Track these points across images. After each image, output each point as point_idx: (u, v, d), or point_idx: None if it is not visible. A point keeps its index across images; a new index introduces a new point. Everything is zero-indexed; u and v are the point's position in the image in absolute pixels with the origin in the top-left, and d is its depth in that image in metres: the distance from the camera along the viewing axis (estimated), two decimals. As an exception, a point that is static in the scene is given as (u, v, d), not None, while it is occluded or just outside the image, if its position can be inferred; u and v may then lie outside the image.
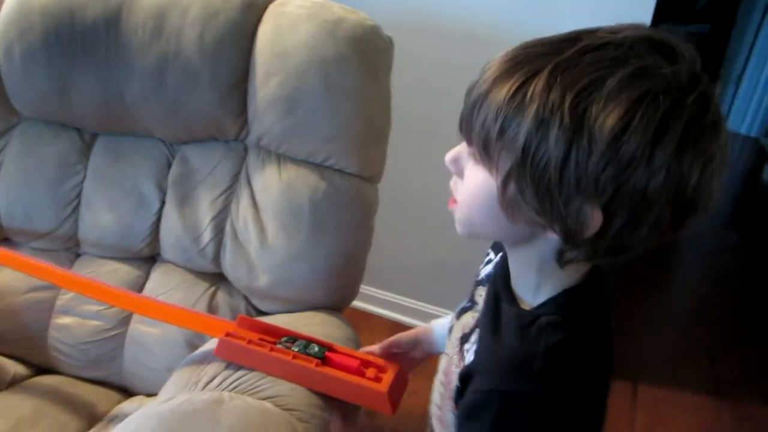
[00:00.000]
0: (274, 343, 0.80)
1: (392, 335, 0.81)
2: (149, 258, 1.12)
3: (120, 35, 1.00)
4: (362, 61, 0.97)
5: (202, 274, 1.08)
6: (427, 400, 0.70)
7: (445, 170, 0.57)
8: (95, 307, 1.07)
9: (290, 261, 0.99)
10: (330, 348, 0.81)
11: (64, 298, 1.09)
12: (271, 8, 1.01)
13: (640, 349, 1.93)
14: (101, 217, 1.10)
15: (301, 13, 0.98)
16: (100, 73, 1.03)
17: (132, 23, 0.99)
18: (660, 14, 1.37)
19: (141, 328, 1.06)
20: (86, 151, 1.12)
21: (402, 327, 1.88)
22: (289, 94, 0.96)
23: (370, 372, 0.76)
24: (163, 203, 1.08)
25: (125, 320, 1.07)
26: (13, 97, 1.10)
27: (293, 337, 0.82)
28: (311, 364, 0.76)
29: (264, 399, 0.76)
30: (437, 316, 0.84)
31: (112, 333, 1.07)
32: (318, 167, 0.99)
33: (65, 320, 1.09)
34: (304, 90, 0.95)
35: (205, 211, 1.05)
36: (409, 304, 1.91)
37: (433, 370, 0.70)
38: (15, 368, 1.10)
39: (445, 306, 1.86)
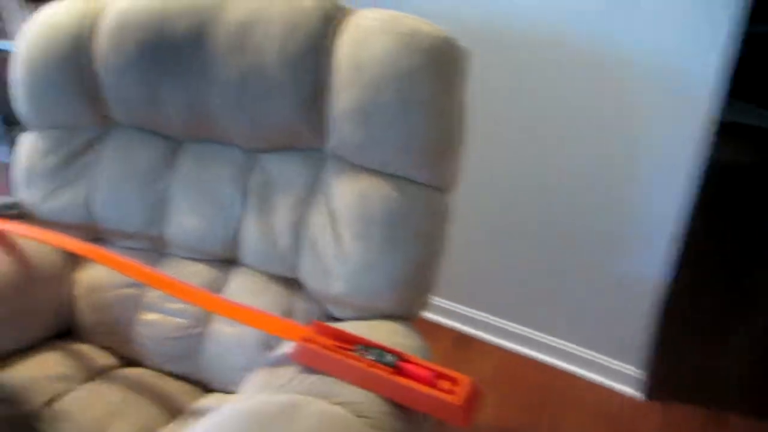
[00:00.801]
0: (349, 350, 0.83)
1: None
2: (229, 261, 1.18)
3: (206, 48, 1.06)
4: (437, 72, 0.98)
5: (279, 279, 1.12)
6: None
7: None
8: (178, 305, 1.13)
9: (364, 269, 1.01)
10: (402, 357, 0.82)
11: (150, 295, 1.16)
12: (349, 20, 1.03)
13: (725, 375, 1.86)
14: (186, 220, 1.16)
15: (376, 26, 1.00)
16: (186, 83, 1.09)
17: (217, 38, 1.04)
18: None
19: (220, 327, 1.11)
20: (174, 158, 1.19)
21: (467, 338, 1.89)
22: (365, 105, 0.98)
23: (443, 384, 0.77)
24: (244, 208, 1.13)
25: (205, 319, 1.12)
26: (110, 105, 1.18)
27: (366, 345, 0.84)
28: (385, 373, 0.78)
29: (338, 404, 0.78)
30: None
31: (193, 331, 1.13)
32: (391, 177, 1.01)
33: (150, 316, 1.16)
34: (379, 102, 0.97)
35: (283, 217, 1.09)
36: (476, 316, 1.91)
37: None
38: (103, 359, 1.18)
39: (512, 319, 1.85)
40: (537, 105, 1.57)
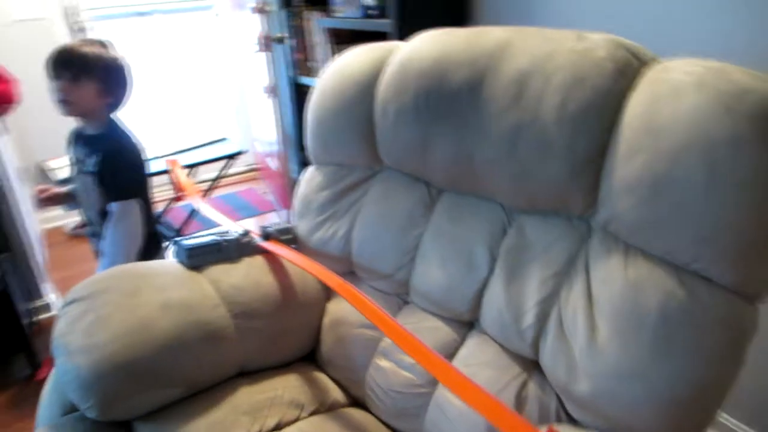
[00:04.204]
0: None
1: None
2: (468, 323, 1.09)
3: (480, 99, 0.99)
4: (766, 146, 0.75)
5: (517, 357, 0.99)
6: None
7: None
8: (410, 359, 1.08)
9: (621, 375, 0.82)
10: None
11: (387, 342, 1.14)
12: (650, 75, 0.86)
13: None
14: (432, 271, 1.11)
15: (688, 81, 0.81)
16: (456, 134, 1.04)
17: (493, 88, 0.97)
18: None
19: (447, 395, 1.02)
20: (431, 206, 1.15)
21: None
22: (655, 177, 0.80)
23: None
24: (491, 271, 1.03)
25: (434, 381, 1.05)
26: (382, 148, 1.20)
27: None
28: None
29: None
30: None
31: (420, 390, 1.06)
32: (678, 270, 0.80)
33: (384, 363, 1.13)
34: (677, 175, 0.78)
35: (532, 290, 0.96)
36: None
37: None
38: (335, 393, 1.19)
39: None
40: None
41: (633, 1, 1.44)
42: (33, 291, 2.28)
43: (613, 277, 0.85)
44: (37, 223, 3.04)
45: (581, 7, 1.58)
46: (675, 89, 0.81)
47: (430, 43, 1.10)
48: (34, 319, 2.25)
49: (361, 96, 1.19)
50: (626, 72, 0.87)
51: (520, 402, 0.94)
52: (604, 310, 0.85)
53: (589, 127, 0.87)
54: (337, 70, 1.26)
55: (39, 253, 2.52)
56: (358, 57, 1.25)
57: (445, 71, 1.04)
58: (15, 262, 2.17)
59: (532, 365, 0.97)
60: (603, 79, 0.87)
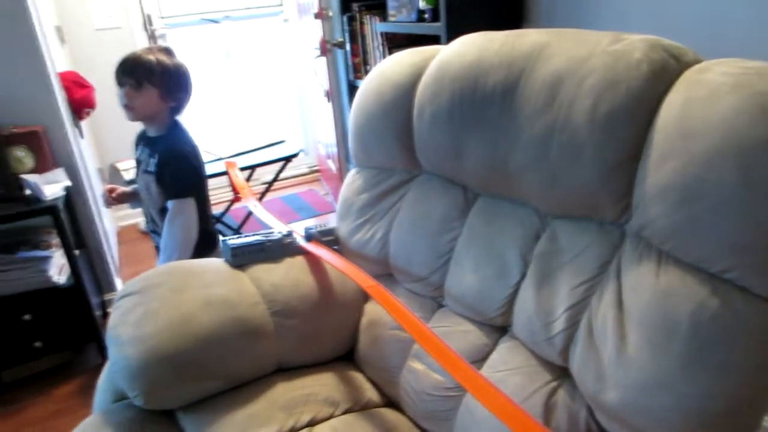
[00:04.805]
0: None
1: None
2: (500, 328, 1.08)
3: (514, 103, 0.99)
4: (808, 150, 0.70)
5: (547, 363, 0.98)
6: None
7: None
8: (442, 362, 1.08)
9: (650, 385, 0.79)
10: None
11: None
12: (687, 75, 0.83)
13: None
14: (465, 275, 1.11)
15: (725, 83, 0.77)
16: (490, 137, 1.04)
17: (527, 91, 0.96)
18: None
19: (476, 400, 1.02)
20: (466, 209, 1.15)
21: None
22: (688, 182, 0.77)
23: None
24: (523, 276, 1.02)
25: (464, 385, 1.05)
26: (419, 152, 1.21)
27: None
28: None
29: None
30: None
31: (451, 393, 1.07)
32: (712, 278, 0.76)
33: (416, 365, 1.14)
34: (710, 180, 0.75)
35: (562, 296, 0.94)
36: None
37: None
38: (370, 393, 1.21)
39: None
40: None
41: (691, 1, 1.38)
42: (105, 285, 2.43)
43: (643, 284, 0.83)
44: (112, 221, 3.25)
45: (636, 7, 1.53)
46: (710, 91, 0.78)
47: (468, 47, 1.10)
48: (106, 311, 2.41)
49: (400, 100, 1.21)
50: (662, 74, 0.84)
51: (548, 410, 0.92)
52: (634, 319, 0.83)
53: (620, 131, 0.85)
54: (379, 74, 1.28)
55: (113, 249, 2.69)
56: (399, 61, 1.26)
57: (480, 74, 1.04)
58: (89, 257, 2.33)
59: (562, 372, 0.96)
60: (637, 81, 0.84)
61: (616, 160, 0.86)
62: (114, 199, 1.78)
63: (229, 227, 2.93)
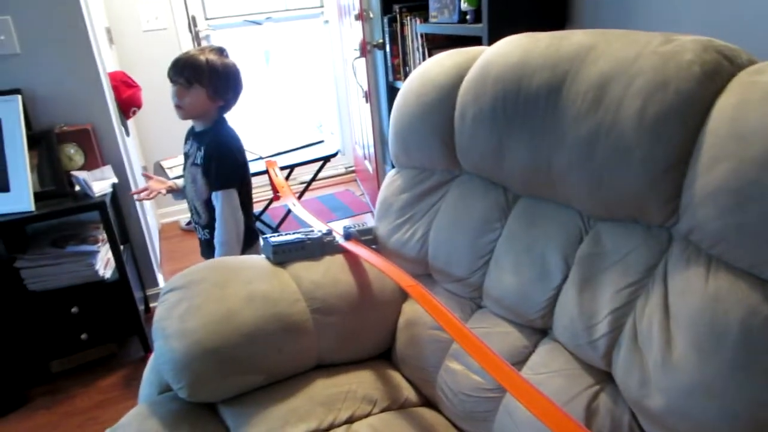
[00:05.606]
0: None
1: None
2: (540, 330, 1.07)
3: (558, 104, 0.98)
4: None
5: (588, 367, 0.97)
6: None
7: None
8: (481, 363, 1.08)
9: (696, 392, 0.78)
10: None
11: (458, 344, 1.14)
12: (740, 77, 0.81)
13: None
14: (505, 277, 1.10)
15: (782, 84, 0.75)
16: (533, 139, 1.03)
17: (573, 92, 0.96)
18: None
19: (516, 401, 1.01)
20: (507, 211, 1.15)
21: None
22: (741, 186, 0.75)
23: None
24: (565, 278, 1.01)
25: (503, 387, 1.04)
26: (460, 153, 1.21)
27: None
28: None
29: None
30: None
31: (490, 395, 1.06)
32: (764, 284, 0.75)
33: (454, 366, 1.14)
34: (763, 183, 0.73)
35: (606, 300, 0.93)
36: None
37: None
38: (408, 392, 1.22)
39: None
40: None
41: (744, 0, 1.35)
42: (148, 279, 2.50)
43: (692, 289, 0.81)
44: (155, 218, 3.34)
45: (686, 7, 1.50)
46: (766, 93, 0.76)
47: (511, 48, 1.10)
48: (148, 305, 2.47)
49: (442, 100, 1.21)
50: (715, 75, 0.83)
51: (590, 414, 0.91)
52: (681, 324, 0.81)
53: (669, 134, 0.83)
54: (421, 75, 1.28)
55: (155, 245, 2.77)
56: (441, 62, 1.26)
57: (524, 75, 1.04)
58: (133, 252, 2.40)
59: (605, 376, 0.94)
60: (688, 83, 0.83)
61: (665, 162, 0.84)
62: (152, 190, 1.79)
63: (267, 226, 2.98)
